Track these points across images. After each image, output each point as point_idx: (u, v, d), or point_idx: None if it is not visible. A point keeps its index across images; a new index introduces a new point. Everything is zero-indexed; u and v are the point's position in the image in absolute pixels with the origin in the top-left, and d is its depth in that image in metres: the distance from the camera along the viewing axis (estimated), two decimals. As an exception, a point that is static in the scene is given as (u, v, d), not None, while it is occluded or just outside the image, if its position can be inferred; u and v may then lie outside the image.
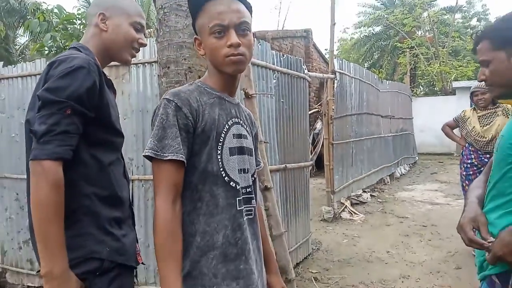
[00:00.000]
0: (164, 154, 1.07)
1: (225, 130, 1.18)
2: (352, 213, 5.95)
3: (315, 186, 8.13)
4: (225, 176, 1.15)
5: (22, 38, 16.85)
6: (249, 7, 1.22)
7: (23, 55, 16.41)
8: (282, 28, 16.28)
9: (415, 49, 16.09)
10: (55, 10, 3.48)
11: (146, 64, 3.14)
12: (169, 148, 1.07)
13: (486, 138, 3.78)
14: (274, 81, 3.65)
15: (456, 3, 16.77)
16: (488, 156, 3.78)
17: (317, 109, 10.27)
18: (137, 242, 1.32)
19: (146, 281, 3.03)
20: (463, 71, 15.43)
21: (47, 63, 1.22)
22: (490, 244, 1.12)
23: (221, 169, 1.15)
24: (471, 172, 3.92)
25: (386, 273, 3.63)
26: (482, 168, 3.79)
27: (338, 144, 6.07)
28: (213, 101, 1.19)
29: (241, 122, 1.25)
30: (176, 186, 1.10)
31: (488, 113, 3.85)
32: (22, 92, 3.49)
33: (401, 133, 10.21)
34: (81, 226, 1.15)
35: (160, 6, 2.41)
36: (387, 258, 4.06)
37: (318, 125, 10.09)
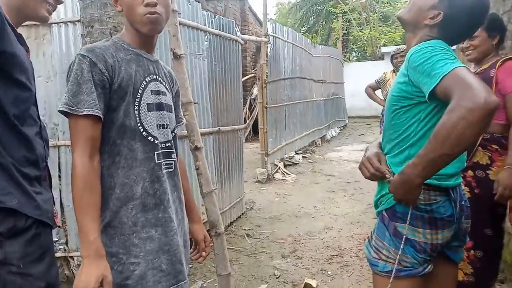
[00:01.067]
0: (80, 109, 1.09)
1: (143, 86, 1.22)
2: (285, 173, 6.26)
3: (252, 150, 8.36)
4: (143, 131, 1.21)
5: None
6: None
7: None
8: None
9: (348, 14, 16.54)
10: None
11: (69, 23, 2.95)
12: (85, 103, 1.10)
13: (402, 100, 4.13)
14: (206, 42, 3.63)
15: (387, -30, 17.35)
16: (403, 116, 4.15)
17: (254, 74, 10.34)
18: (54, 204, 1.30)
19: (77, 247, 3.01)
20: (391, 36, 16.22)
21: None
22: (389, 173, 1.30)
23: (139, 124, 1.20)
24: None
25: (312, 226, 3.94)
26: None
27: (272, 107, 6.24)
28: (130, 57, 1.22)
29: (159, 79, 1.30)
30: (93, 140, 1.13)
31: (405, 77, 4.19)
32: None
33: (332, 97, 10.67)
34: None
35: (80, -40, 2.28)
36: (314, 212, 4.39)
37: (255, 90, 10.19)
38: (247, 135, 9.97)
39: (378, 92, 4.63)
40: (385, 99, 4.35)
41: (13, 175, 1.11)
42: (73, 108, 1.10)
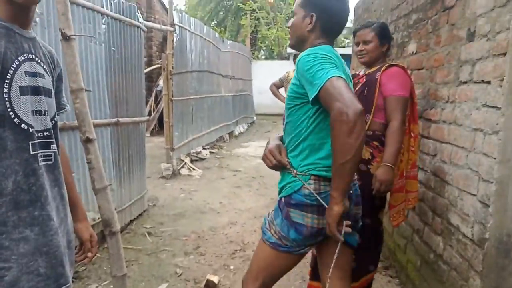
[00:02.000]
0: None
1: (14, 66, 1.04)
2: (191, 169, 6.12)
3: (157, 144, 8.04)
4: (14, 118, 1.03)
5: None
6: None
7: None
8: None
9: (257, 12, 16.88)
10: None
11: None
12: None
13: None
14: (104, 26, 3.34)
15: (293, -27, 18.13)
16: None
17: (160, 65, 9.94)
18: None
19: None
20: (296, 38, 17.01)
21: None
22: (289, 164, 1.51)
23: (9, 109, 1.02)
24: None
25: (217, 221, 3.90)
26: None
27: (178, 100, 6.05)
28: None
29: (36, 59, 1.12)
30: None
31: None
32: None
33: (240, 93, 10.79)
34: None
35: None
36: (219, 208, 4.35)
37: (161, 81, 9.82)
38: (153, 129, 9.57)
39: (282, 91, 4.77)
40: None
41: None
42: None
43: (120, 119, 3.57)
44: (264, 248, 1.57)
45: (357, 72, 2.42)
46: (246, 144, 8.86)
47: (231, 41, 10.89)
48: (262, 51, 19.42)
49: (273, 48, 17.31)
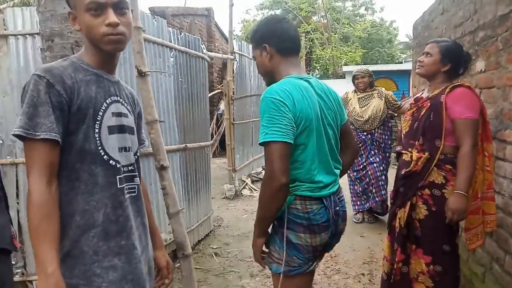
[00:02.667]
0: (37, 133, 1.04)
1: (103, 108, 1.17)
2: (252, 189, 6.24)
3: (219, 165, 8.30)
4: (104, 155, 1.16)
5: None
6: None
7: None
8: (184, 5, 15.85)
9: (311, 34, 17.02)
10: None
11: (27, 36, 2.84)
12: (42, 126, 1.04)
13: (363, 118, 4.26)
14: (172, 59, 3.60)
15: (347, -8, 18.13)
16: (365, 133, 4.29)
17: (220, 90, 10.34)
18: (12, 225, 1.25)
19: (26, 269, 2.84)
20: (352, 56, 16.84)
21: None
22: None
23: (100, 147, 1.15)
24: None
25: (281, 243, 3.92)
26: (361, 145, 4.29)
27: (239, 124, 6.25)
28: (89, 78, 1.16)
29: (121, 100, 1.25)
30: (50, 166, 1.07)
31: (366, 95, 4.33)
32: None
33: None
34: None
35: (41, -27, 2.20)
36: (282, 229, 4.37)
37: (222, 105, 10.18)
38: (214, 151, 9.90)
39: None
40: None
41: None
42: (29, 132, 1.03)
43: (188, 145, 3.78)
44: (278, 280, 1.56)
45: (420, 95, 2.37)
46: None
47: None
48: (316, 70, 19.45)
49: (328, 67, 17.27)
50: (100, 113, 1.16)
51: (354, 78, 4.35)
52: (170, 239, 3.19)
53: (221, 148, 9.64)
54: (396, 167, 2.50)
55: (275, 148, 1.36)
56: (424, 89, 2.33)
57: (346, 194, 4.80)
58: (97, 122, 1.15)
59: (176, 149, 3.58)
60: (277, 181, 1.35)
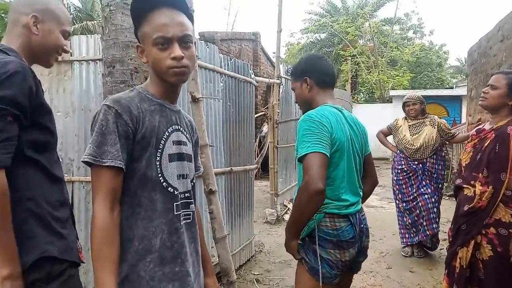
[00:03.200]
0: (103, 160, 1.09)
1: (165, 137, 1.21)
2: (294, 214, 6.13)
3: (260, 188, 8.28)
4: (163, 182, 1.19)
5: None
6: (191, 18, 1.26)
7: None
8: (231, 29, 16.36)
9: (357, 57, 16.91)
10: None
11: (90, 61, 3.03)
12: (108, 154, 1.09)
13: (415, 146, 4.09)
14: (222, 84, 3.69)
15: (395, 15, 17.93)
16: (416, 163, 4.10)
17: (263, 112, 10.44)
18: (78, 240, 1.34)
19: (85, 286, 2.93)
20: (399, 80, 16.50)
21: None
22: None
23: (160, 175, 1.18)
24: (401, 177, 4.22)
25: (324, 273, 3.80)
26: (411, 174, 4.12)
27: (283, 147, 6.24)
28: (153, 108, 1.21)
29: (181, 129, 1.29)
30: (114, 192, 1.11)
31: (417, 123, 4.17)
32: None
33: (342, 137, 10.65)
34: (28, 229, 1.16)
35: (106, 4, 2.35)
36: (325, 258, 4.24)
37: (265, 128, 10.26)
38: (256, 173, 9.92)
39: (390, 138, 4.62)
40: (396, 145, 4.33)
41: (49, 223, 1.18)
42: (96, 159, 1.09)
43: (233, 168, 3.81)
44: (303, 273, 1.69)
45: (482, 127, 2.25)
46: (349, 190, 8.61)
47: (332, 87, 10.98)
48: (361, 94, 19.20)
49: (374, 91, 16.99)
50: (162, 142, 1.20)
51: (405, 104, 4.22)
52: (212, 262, 3.18)
53: (263, 171, 9.65)
54: (447, 198, 2.37)
55: (315, 157, 1.50)
56: (480, 119, 2.21)
57: (394, 225, 4.62)
58: (159, 150, 1.19)
59: (222, 172, 3.61)
60: (315, 186, 1.45)
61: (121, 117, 1.12)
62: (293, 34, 26.27)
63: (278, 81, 5.97)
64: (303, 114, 1.77)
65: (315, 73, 1.81)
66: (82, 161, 1.11)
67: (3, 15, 3.18)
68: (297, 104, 6.37)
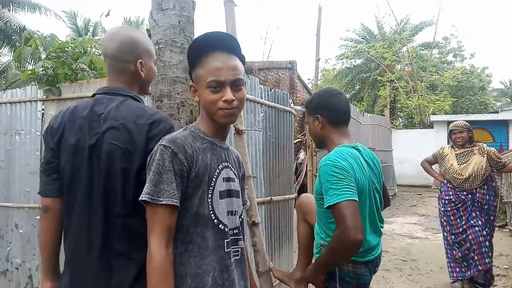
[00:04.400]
0: (160, 199, 1.12)
1: (216, 174, 1.25)
2: (334, 244, 5.97)
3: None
4: (214, 219, 1.21)
5: (5, 57, 16.71)
6: (243, 60, 1.31)
7: (5, 74, 16.24)
8: (268, 58, 16.69)
9: (395, 83, 16.65)
10: (48, 39, 3.52)
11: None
12: (164, 193, 1.13)
13: (463, 176, 3.91)
14: (262, 114, 3.74)
15: (434, 39, 17.61)
16: (465, 193, 3.92)
17: (300, 139, 10.42)
18: None
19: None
20: (440, 105, 16.02)
21: (141, 121, 1.32)
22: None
23: (211, 212, 1.21)
24: (449, 209, 4.03)
25: (368, 308, 3.64)
26: (460, 205, 3.93)
27: (321, 175, 6.15)
28: (205, 146, 1.25)
29: (230, 165, 1.33)
30: (169, 229, 1.14)
31: (465, 151, 4.00)
32: (10, 118, 3.45)
33: (382, 165, 10.38)
34: None
35: (155, 42, 2.48)
36: (368, 292, 4.08)
37: (301, 155, 10.20)
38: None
39: (435, 167, 4.47)
40: (443, 175, 4.17)
41: None
42: (153, 198, 1.13)
43: (273, 197, 3.80)
44: None
45: None
46: (391, 220, 8.30)
47: (370, 114, 10.86)
48: (399, 119, 18.78)
49: (414, 116, 16.58)
50: (214, 179, 1.24)
51: (452, 132, 4.08)
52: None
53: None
54: (497, 229, 2.23)
55: (349, 205, 1.48)
56: None
57: (442, 258, 4.38)
58: (210, 188, 1.22)
59: (262, 202, 3.61)
60: (354, 238, 1.43)
61: (177, 156, 1.16)
62: (327, 60, 26.37)
63: (316, 109, 5.97)
64: (316, 148, 1.80)
65: (327, 111, 1.79)
66: (140, 200, 1.15)
67: (61, 54, 3.41)
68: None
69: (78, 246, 1.31)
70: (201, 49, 1.25)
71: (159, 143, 1.20)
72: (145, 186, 1.15)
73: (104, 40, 1.53)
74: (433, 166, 4.48)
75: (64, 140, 1.38)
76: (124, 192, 1.28)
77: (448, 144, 4.34)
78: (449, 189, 4.06)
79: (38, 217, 3.21)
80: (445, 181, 4.14)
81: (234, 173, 1.35)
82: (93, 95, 1.44)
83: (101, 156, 1.31)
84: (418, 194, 12.12)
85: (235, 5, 3.02)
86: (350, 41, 21.32)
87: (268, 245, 3.73)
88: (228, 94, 1.21)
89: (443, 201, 4.11)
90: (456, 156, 4.03)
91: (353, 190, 1.53)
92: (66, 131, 1.38)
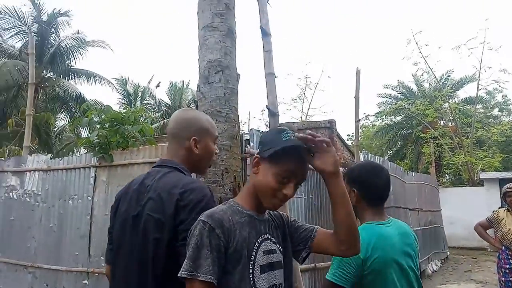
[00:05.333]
0: (197, 274, 1.13)
1: (255, 248, 1.24)
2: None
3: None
4: None
5: (61, 121, 18.09)
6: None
7: (60, 137, 17.48)
8: (306, 117, 16.95)
9: (439, 139, 16.18)
10: (104, 109, 3.82)
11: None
12: (202, 268, 1.13)
13: (524, 242, 3.63)
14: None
15: (477, 95, 17.18)
16: (528, 262, 3.60)
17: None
18: None
19: None
20: (489, 161, 15.24)
21: (174, 191, 1.35)
22: None
23: (253, 287, 1.19)
24: (510, 278, 3.70)
25: None
26: (521, 274, 3.59)
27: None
28: (244, 220, 1.26)
29: (270, 237, 1.32)
30: None
31: (522, 215, 3.75)
32: (65, 183, 3.68)
33: (430, 226, 9.84)
34: None
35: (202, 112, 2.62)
36: None
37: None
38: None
39: (490, 231, 4.17)
40: (500, 241, 3.88)
41: None
42: (192, 274, 1.13)
43: (317, 264, 3.67)
44: None
45: None
46: (444, 287, 7.67)
47: (415, 172, 10.52)
48: (446, 175, 17.97)
49: (461, 173, 15.84)
50: (253, 253, 1.23)
51: (506, 195, 3.85)
52: None
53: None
54: None
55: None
56: None
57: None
58: (251, 262, 1.21)
59: (305, 269, 3.50)
60: None
61: (214, 231, 1.17)
62: (367, 117, 26.24)
63: (358, 170, 5.89)
64: None
65: (365, 190, 1.73)
66: (179, 276, 1.15)
67: (115, 124, 3.68)
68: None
69: None
70: (287, 150, 1.24)
71: (198, 218, 1.22)
72: (184, 263, 1.16)
73: (169, 121, 1.65)
74: (488, 230, 4.19)
75: (118, 211, 1.49)
76: (154, 264, 1.31)
77: (501, 204, 4.07)
78: (509, 257, 3.75)
79: (85, 281, 3.31)
80: (503, 247, 3.84)
81: (276, 244, 1.33)
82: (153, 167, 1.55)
83: (139, 226, 1.37)
84: (472, 258, 11.19)
85: (275, 77, 3.18)
86: (389, 98, 21.25)
87: (313, 316, 3.55)
88: (292, 191, 1.26)
89: (503, 270, 3.78)
90: (514, 220, 3.77)
91: (348, 276, 1.56)
92: (121, 203, 1.50)
